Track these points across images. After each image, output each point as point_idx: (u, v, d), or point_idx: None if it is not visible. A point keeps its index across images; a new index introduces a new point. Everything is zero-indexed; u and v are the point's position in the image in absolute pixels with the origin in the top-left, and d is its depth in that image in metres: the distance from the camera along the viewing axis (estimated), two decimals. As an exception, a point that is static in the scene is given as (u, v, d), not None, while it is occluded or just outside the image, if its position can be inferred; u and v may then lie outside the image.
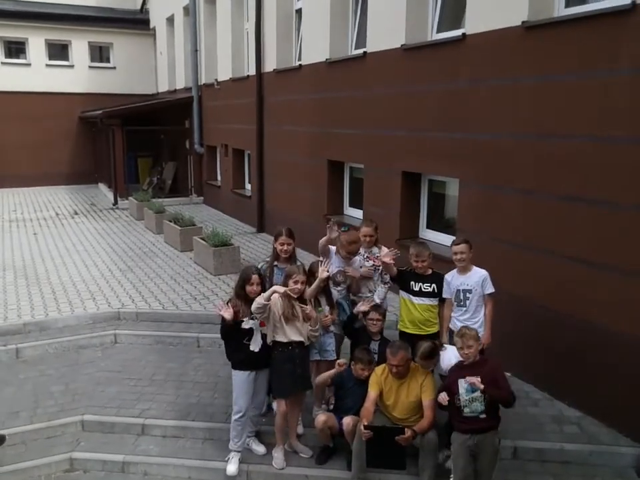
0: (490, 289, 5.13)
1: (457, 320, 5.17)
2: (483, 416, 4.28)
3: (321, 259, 5.20)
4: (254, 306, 4.68)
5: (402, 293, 5.38)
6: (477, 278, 5.12)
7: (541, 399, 5.72)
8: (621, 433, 5.08)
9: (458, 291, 5.19)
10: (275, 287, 4.77)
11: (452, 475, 4.42)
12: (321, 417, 4.88)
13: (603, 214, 5.15)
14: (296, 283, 4.77)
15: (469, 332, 4.45)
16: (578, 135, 5.37)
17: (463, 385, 4.31)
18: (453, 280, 5.22)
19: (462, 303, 5.18)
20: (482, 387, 4.23)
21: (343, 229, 5.50)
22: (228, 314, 4.72)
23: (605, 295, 5.18)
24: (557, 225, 5.62)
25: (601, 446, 5.00)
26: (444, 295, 5.29)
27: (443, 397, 4.39)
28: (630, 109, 4.87)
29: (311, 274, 5.06)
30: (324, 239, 5.34)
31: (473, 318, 5.11)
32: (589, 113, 5.25)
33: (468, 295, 5.14)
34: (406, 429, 4.36)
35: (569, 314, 5.52)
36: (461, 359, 4.57)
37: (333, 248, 5.49)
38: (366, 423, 4.44)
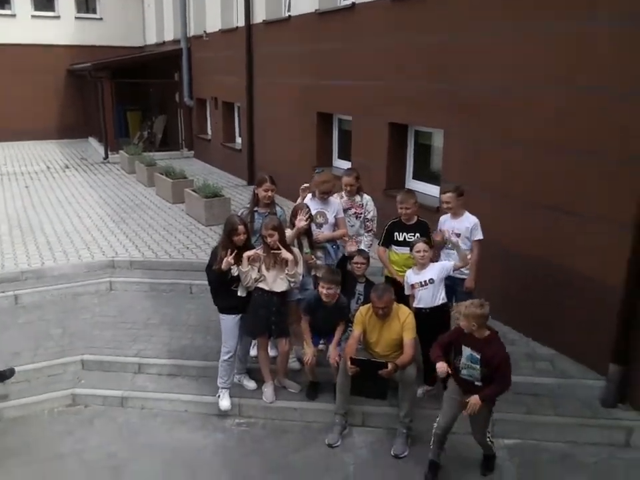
0: (478, 236, 5.37)
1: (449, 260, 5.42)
2: (479, 384, 4.23)
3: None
4: (242, 280, 4.98)
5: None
6: (466, 224, 5.38)
7: (517, 339, 6.04)
8: (588, 368, 5.43)
9: (448, 234, 5.44)
10: (246, 253, 4.96)
11: (438, 418, 4.63)
12: (307, 357, 5.16)
13: (585, 164, 5.31)
14: (271, 236, 4.96)
15: (466, 309, 4.20)
16: (563, 86, 5.48)
17: (466, 352, 4.24)
18: (446, 223, 5.51)
19: (449, 246, 5.43)
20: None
21: (316, 171, 5.74)
22: (227, 264, 4.93)
23: (578, 242, 5.43)
24: (538, 175, 5.82)
25: (570, 379, 5.37)
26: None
27: (443, 368, 4.28)
28: (619, 61, 4.92)
29: (294, 216, 5.34)
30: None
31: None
32: (576, 63, 5.34)
33: (457, 238, 5.38)
34: (388, 363, 4.63)
35: (545, 259, 5.78)
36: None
37: (307, 196, 5.73)
38: (353, 357, 4.71)
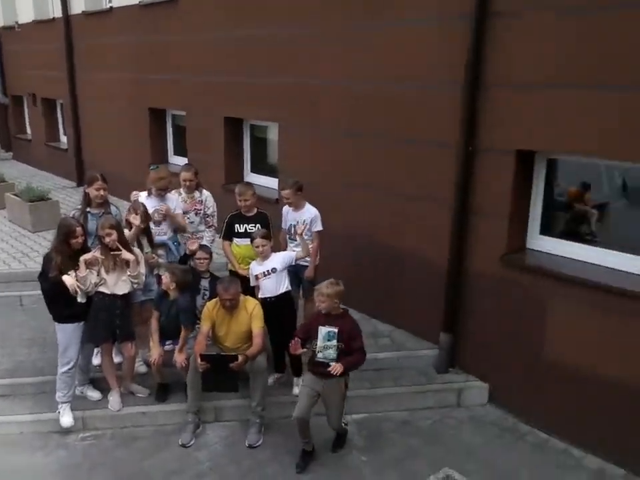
0: (318, 227, 5.58)
1: (293, 250, 5.56)
2: (334, 363, 4.37)
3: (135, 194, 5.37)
4: (82, 285, 4.71)
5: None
6: (306, 216, 5.55)
7: (359, 319, 6.27)
8: (423, 339, 5.91)
9: (291, 225, 5.62)
10: (83, 257, 4.73)
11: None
12: (154, 358, 5.04)
13: (410, 151, 5.72)
14: (109, 235, 4.76)
15: (324, 289, 4.43)
16: (386, 80, 5.85)
17: (322, 331, 4.42)
18: (288, 215, 5.66)
19: (293, 237, 5.60)
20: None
21: (151, 168, 5.62)
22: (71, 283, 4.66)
23: (408, 223, 5.87)
24: (369, 163, 6.19)
25: (408, 352, 5.81)
26: (282, 226, 5.74)
27: (295, 345, 4.47)
28: (436, 56, 5.36)
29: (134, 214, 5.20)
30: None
31: None
32: (395, 59, 5.72)
33: (298, 230, 5.52)
34: (239, 355, 4.67)
35: (380, 241, 6.18)
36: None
37: (142, 194, 5.57)
38: (202, 353, 4.67)
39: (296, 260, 5.35)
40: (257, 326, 4.88)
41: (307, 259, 5.48)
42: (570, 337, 4.74)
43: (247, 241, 5.42)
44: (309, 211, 5.60)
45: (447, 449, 4.81)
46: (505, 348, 5.20)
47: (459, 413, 5.32)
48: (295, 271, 5.53)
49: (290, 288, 5.31)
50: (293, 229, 5.60)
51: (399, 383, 5.47)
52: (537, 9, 4.59)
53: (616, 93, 4.20)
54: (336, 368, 4.32)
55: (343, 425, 4.76)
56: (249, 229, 5.54)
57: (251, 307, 4.94)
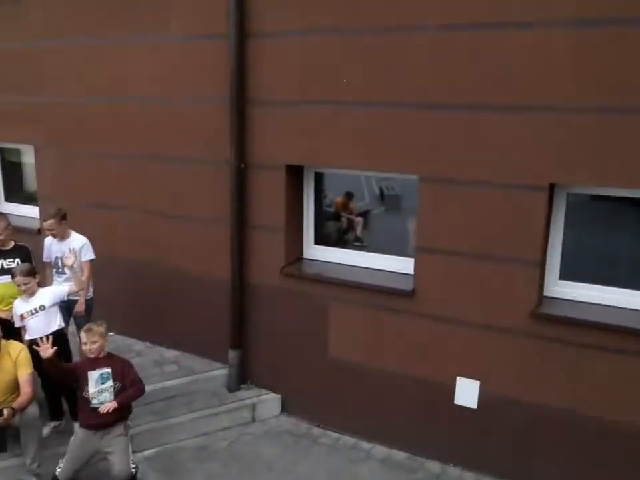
0: (87, 256, 5.16)
1: (61, 285, 5.10)
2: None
3: None
4: None
5: None
6: (74, 245, 5.10)
7: (143, 349, 6.09)
8: (213, 360, 5.82)
9: (56, 257, 5.16)
10: None
11: (60, 465, 4.28)
12: None
13: (179, 170, 5.65)
14: None
15: (96, 328, 4.29)
16: (153, 98, 5.70)
17: (93, 376, 4.20)
18: (52, 246, 5.20)
19: (60, 270, 5.16)
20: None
21: None
22: None
23: (186, 245, 5.76)
24: (138, 185, 5.95)
25: (197, 375, 5.67)
26: (44, 259, 5.26)
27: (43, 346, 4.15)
28: (205, 75, 5.32)
29: None
30: None
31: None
32: (168, 77, 5.57)
33: (67, 261, 5.06)
34: (4, 409, 4.13)
35: (158, 266, 5.97)
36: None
37: None
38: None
39: (69, 294, 4.90)
40: (25, 372, 4.40)
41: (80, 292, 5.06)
42: (346, 336, 5.07)
43: (7, 278, 4.84)
44: (77, 240, 5.17)
45: (246, 467, 4.78)
46: (292, 356, 5.36)
47: (254, 428, 5.33)
48: (67, 307, 5.06)
49: (63, 325, 4.85)
50: (59, 261, 5.13)
51: (190, 409, 5.30)
52: (286, 30, 4.82)
53: (372, 109, 4.60)
54: (107, 406, 4.10)
55: (133, 470, 4.43)
56: (7, 265, 4.97)
57: (16, 352, 4.44)
